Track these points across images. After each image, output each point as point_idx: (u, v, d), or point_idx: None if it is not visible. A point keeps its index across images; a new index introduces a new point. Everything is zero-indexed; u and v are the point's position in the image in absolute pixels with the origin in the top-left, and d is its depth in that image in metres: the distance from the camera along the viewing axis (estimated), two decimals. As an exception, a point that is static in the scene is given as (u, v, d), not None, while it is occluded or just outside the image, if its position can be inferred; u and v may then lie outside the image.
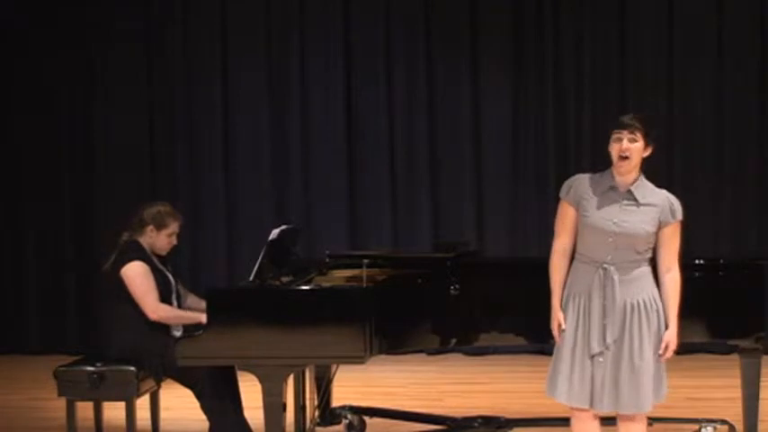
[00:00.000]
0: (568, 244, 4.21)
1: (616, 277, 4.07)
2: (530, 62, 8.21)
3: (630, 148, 4.08)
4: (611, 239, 4.07)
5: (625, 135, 4.08)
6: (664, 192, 4.19)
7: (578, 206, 4.16)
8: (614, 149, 4.11)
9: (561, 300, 4.18)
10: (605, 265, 4.08)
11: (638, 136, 4.09)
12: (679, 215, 4.15)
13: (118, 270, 5.06)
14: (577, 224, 4.17)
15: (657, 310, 4.11)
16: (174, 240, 5.26)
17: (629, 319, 4.08)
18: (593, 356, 4.08)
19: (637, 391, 4.08)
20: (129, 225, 5.25)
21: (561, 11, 8.14)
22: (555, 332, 4.18)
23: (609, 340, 4.07)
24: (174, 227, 5.23)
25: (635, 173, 4.14)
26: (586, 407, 4.12)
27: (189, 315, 5.10)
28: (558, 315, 4.16)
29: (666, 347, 4.10)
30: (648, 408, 4.12)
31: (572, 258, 4.22)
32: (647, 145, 4.11)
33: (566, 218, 4.21)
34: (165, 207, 5.27)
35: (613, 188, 4.13)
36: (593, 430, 4.18)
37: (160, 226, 5.19)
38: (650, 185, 4.18)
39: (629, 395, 4.07)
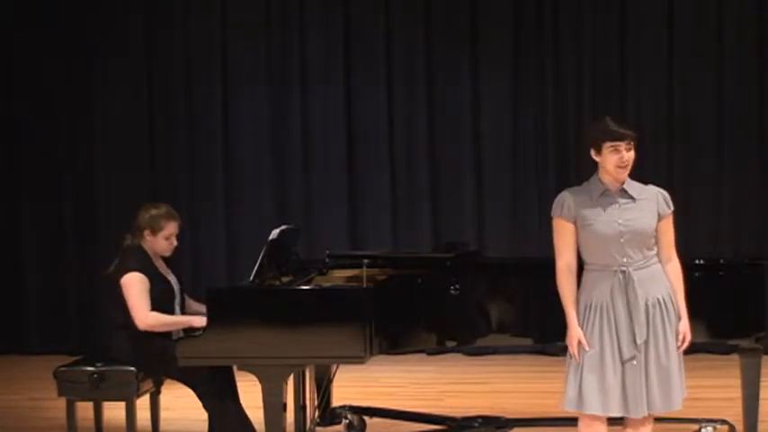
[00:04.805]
0: (572, 260, 4.15)
1: (636, 277, 4.06)
2: (530, 62, 8.20)
3: (630, 157, 4.09)
4: (622, 240, 4.06)
5: (623, 147, 4.08)
6: (651, 186, 4.22)
7: (576, 219, 4.14)
8: (611, 161, 4.08)
9: (578, 314, 4.13)
10: (623, 268, 4.07)
11: (632, 144, 4.11)
12: (671, 205, 4.19)
13: (119, 277, 5.02)
14: (578, 238, 4.15)
15: (674, 307, 4.12)
16: (173, 241, 5.14)
17: (652, 318, 4.07)
18: (625, 362, 4.04)
19: (668, 391, 4.07)
20: (130, 228, 5.17)
21: (561, 11, 8.14)
22: (574, 349, 4.10)
23: (639, 341, 4.04)
24: (170, 228, 5.09)
25: None
26: (622, 414, 4.07)
27: (179, 321, 5.06)
28: (577, 331, 4.10)
29: (684, 338, 4.10)
30: (680, 405, 4.11)
31: (579, 271, 4.18)
32: (635, 148, 4.15)
33: (566, 234, 4.16)
34: (158, 210, 5.12)
35: (606, 192, 4.13)
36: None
37: (155, 230, 5.07)
38: (637, 183, 4.20)
39: (660, 396, 4.06)
